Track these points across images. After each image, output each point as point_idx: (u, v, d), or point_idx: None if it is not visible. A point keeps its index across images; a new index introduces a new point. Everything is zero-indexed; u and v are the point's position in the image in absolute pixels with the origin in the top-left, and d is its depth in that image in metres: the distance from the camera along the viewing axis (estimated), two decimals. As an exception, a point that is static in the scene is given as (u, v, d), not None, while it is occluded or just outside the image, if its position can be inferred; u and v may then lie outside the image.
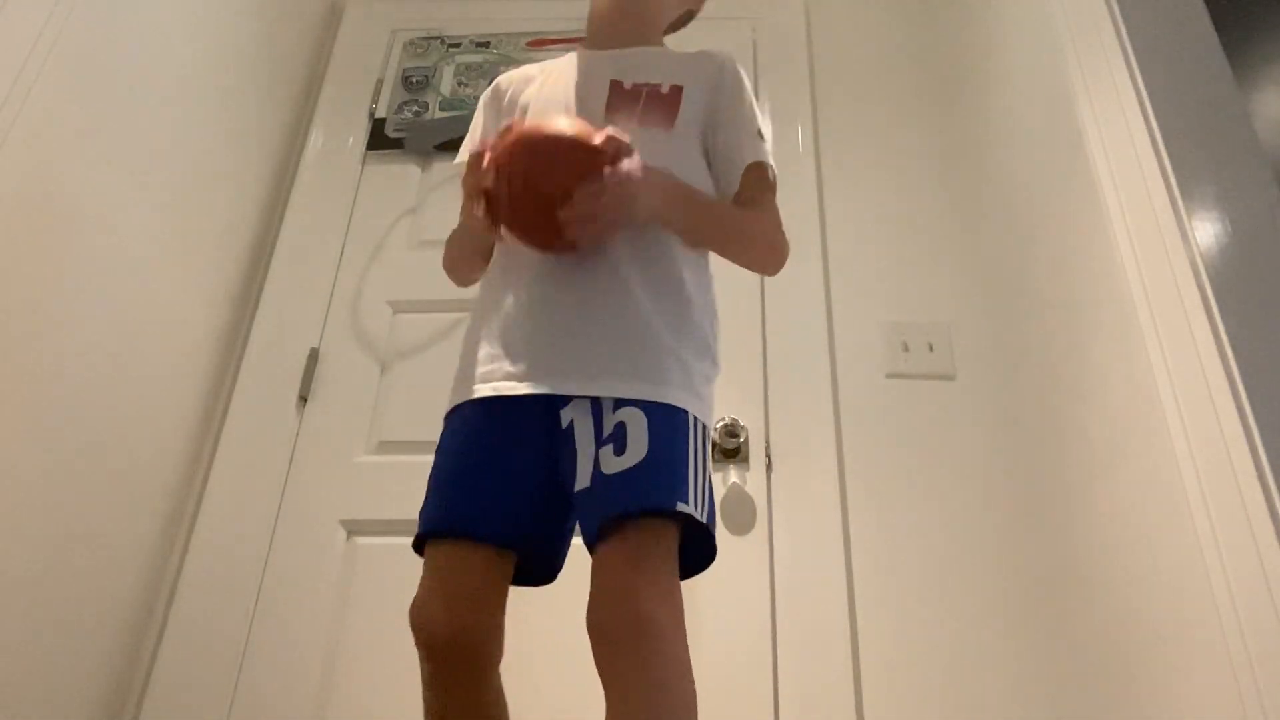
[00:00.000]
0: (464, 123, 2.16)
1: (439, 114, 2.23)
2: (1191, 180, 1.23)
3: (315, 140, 2.22)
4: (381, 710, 1.59)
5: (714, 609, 1.63)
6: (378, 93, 2.28)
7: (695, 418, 1.03)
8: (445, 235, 2.10)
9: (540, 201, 1.01)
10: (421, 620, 0.99)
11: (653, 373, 1.02)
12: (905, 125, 2.15)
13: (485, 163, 1.03)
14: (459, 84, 2.28)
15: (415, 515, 1.70)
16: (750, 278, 1.92)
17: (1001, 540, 1.68)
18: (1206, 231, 1.19)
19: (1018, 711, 1.54)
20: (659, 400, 1.00)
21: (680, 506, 0.94)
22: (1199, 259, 1.17)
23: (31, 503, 1.44)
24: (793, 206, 2.03)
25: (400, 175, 2.17)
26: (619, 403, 0.99)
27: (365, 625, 1.67)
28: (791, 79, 2.21)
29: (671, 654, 0.90)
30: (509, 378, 1.04)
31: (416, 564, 1.51)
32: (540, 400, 1.03)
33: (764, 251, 1.20)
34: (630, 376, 1.02)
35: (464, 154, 1.23)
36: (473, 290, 2.04)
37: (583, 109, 1.16)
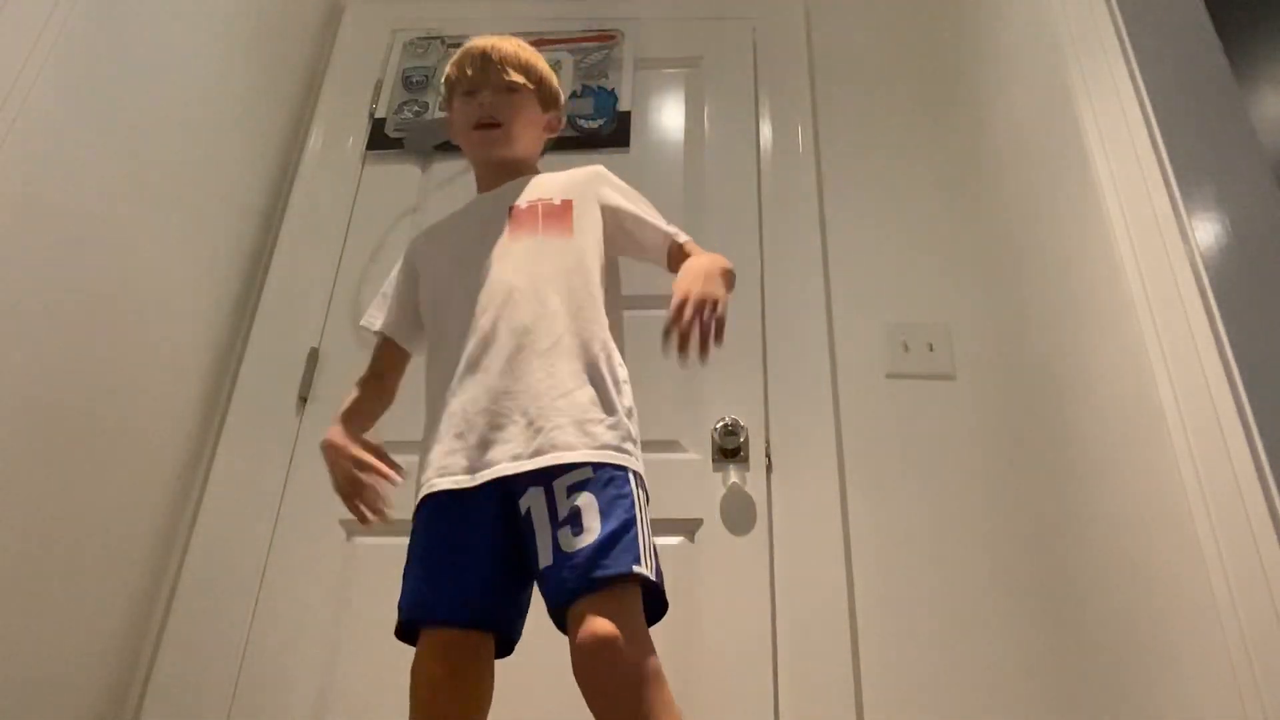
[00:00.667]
0: (464, 123, 2.19)
1: (439, 114, 2.23)
2: (1191, 180, 1.23)
3: (315, 140, 2.21)
4: (381, 710, 1.59)
5: (714, 609, 1.63)
6: (378, 93, 2.28)
7: (634, 472, 1.16)
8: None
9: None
10: (423, 699, 1.12)
11: (588, 435, 1.15)
12: (905, 125, 2.15)
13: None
14: (459, 84, 2.28)
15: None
16: (750, 277, 1.93)
17: (1001, 540, 1.68)
18: (1206, 231, 1.19)
19: (1017, 711, 1.54)
20: (597, 461, 1.12)
21: (635, 569, 1.07)
22: (1199, 259, 1.17)
23: (31, 503, 1.44)
24: (793, 207, 2.05)
25: (400, 175, 2.17)
26: (571, 489, 1.11)
27: (365, 625, 1.66)
28: (791, 79, 2.21)
29: (647, 678, 1.04)
30: (462, 471, 1.18)
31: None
32: (496, 487, 1.15)
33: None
34: (567, 441, 1.13)
35: (372, 322, 1.48)
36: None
37: (485, 238, 1.33)
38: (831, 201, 2.06)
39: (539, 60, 1.50)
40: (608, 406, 1.18)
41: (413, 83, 2.29)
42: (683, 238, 1.36)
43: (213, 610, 1.69)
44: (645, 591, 1.10)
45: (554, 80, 1.51)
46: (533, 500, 1.12)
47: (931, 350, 1.87)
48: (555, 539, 1.09)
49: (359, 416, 1.36)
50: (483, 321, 1.25)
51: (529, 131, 1.46)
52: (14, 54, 1.39)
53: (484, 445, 1.17)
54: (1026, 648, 1.58)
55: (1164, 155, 1.26)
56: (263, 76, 2.12)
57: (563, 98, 1.54)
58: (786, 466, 1.76)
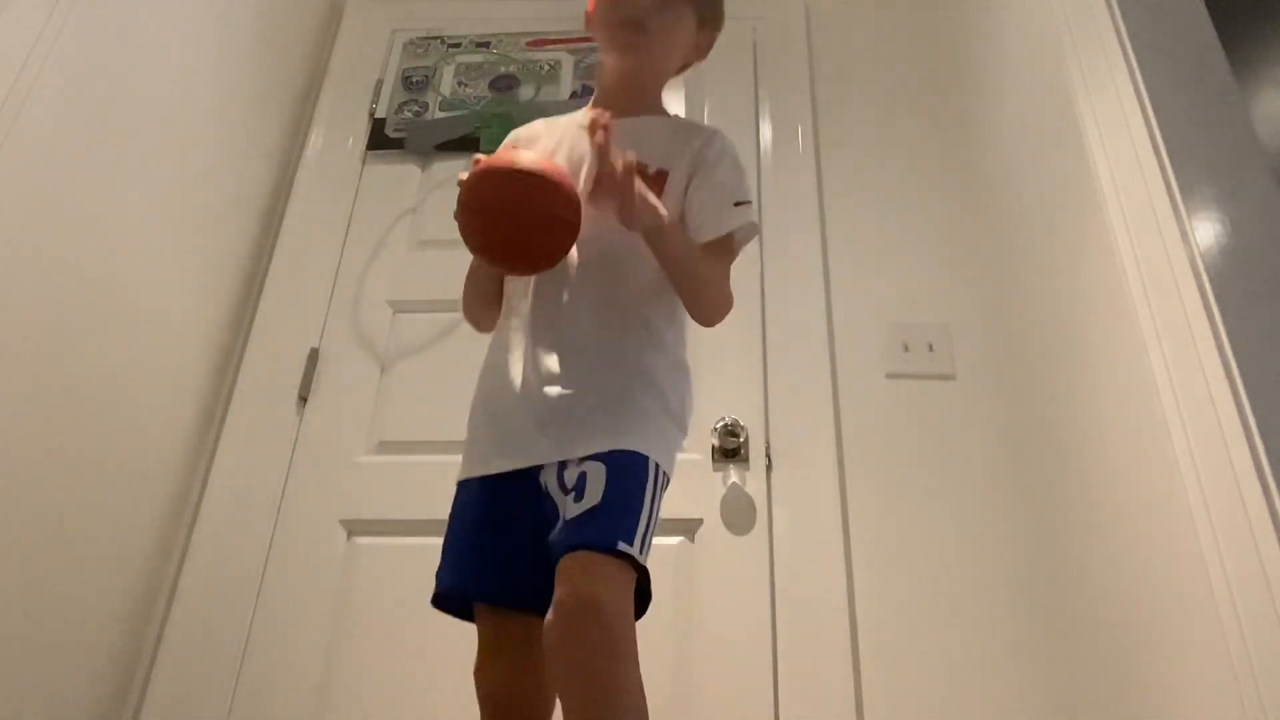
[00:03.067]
0: (464, 122, 2.19)
1: (439, 114, 2.23)
2: (1191, 180, 1.23)
3: (315, 140, 2.21)
4: (381, 710, 1.59)
5: (714, 609, 1.63)
6: (378, 93, 2.28)
7: (657, 464, 1.10)
8: (446, 235, 2.09)
9: (506, 218, 1.10)
10: (477, 680, 1.10)
11: (617, 428, 1.10)
12: (905, 125, 2.15)
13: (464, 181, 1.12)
14: (459, 84, 2.28)
15: (415, 515, 1.72)
16: (750, 277, 1.93)
17: (1001, 540, 1.68)
18: (1206, 231, 1.19)
19: (1018, 710, 1.54)
20: (620, 448, 1.08)
21: (621, 546, 1.00)
22: (1199, 259, 1.17)
23: (31, 503, 1.44)
24: (793, 207, 2.04)
25: (400, 175, 2.17)
26: (584, 458, 1.07)
27: (365, 625, 1.67)
28: (791, 79, 2.21)
29: (624, 652, 0.96)
30: (500, 456, 1.15)
31: (416, 564, 1.50)
32: (524, 470, 1.13)
33: (713, 302, 1.25)
34: (595, 434, 1.09)
35: None
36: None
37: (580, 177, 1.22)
38: (831, 201, 2.06)
39: None
40: (654, 402, 1.15)
41: (413, 83, 2.29)
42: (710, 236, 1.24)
43: (213, 610, 1.69)
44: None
45: None
46: (549, 475, 1.11)
47: (931, 350, 1.87)
48: (564, 508, 1.06)
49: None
50: (546, 288, 1.18)
51: (674, 51, 1.31)
52: (14, 54, 1.39)
53: (525, 430, 1.14)
54: (1026, 647, 1.58)
55: (1164, 155, 1.26)
56: (263, 76, 2.12)
57: (723, 22, 1.38)
58: (786, 467, 1.76)
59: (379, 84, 2.29)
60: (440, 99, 2.25)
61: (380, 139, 2.21)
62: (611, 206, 1.11)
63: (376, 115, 2.25)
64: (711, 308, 1.24)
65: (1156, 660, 1.28)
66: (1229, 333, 1.11)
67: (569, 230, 1.10)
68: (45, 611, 1.47)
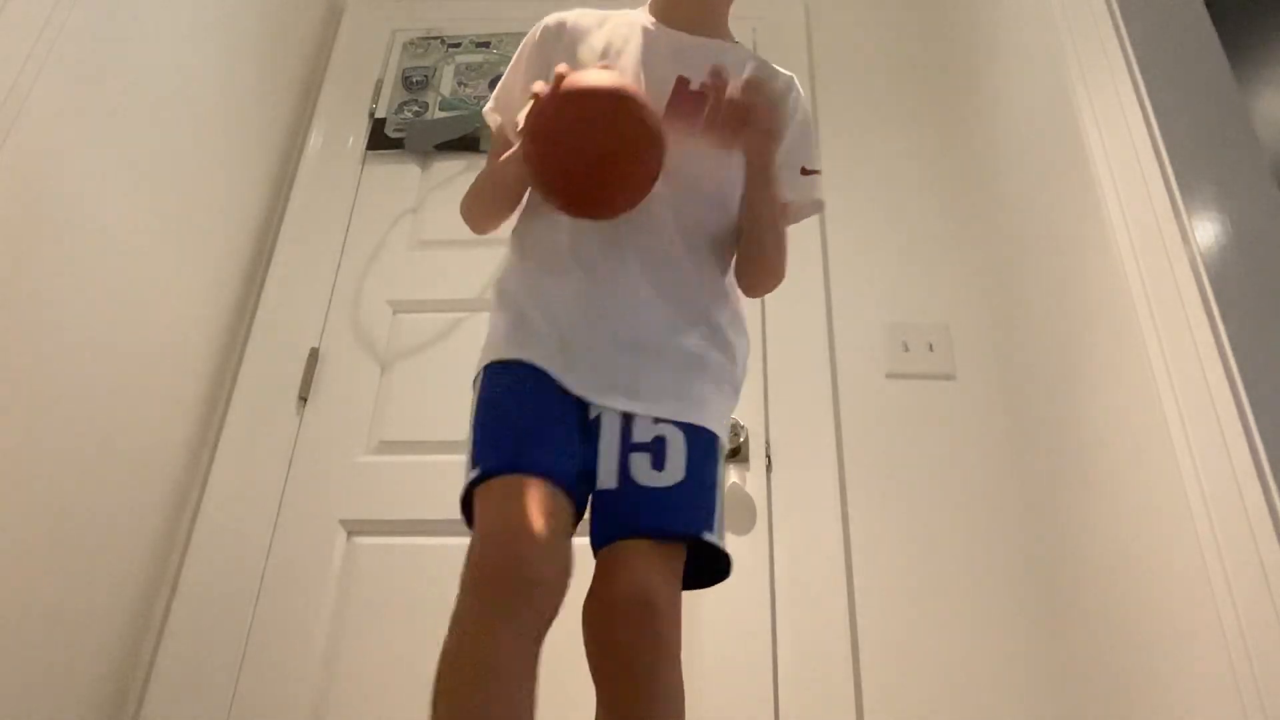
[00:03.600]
0: (464, 123, 2.20)
1: (439, 114, 2.23)
2: (1191, 180, 1.23)
3: (315, 140, 2.21)
4: (381, 710, 1.59)
5: (714, 609, 1.63)
6: (378, 93, 2.28)
7: (723, 443, 1.08)
8: (445, 235, 2.10)
9: (593, 158, 0.96)
10: (500, 547, 0.91)
11: (697, 397, 1.04)
12: (905, 125, 2.15)
13: (539, 105, 0.97)
14: (459, 84, 2.28)
15: (415, 515, 1.72)
16: (750, 278, 1.93)
17: (1001, 540, 1.68)
18: (1206, 231, 1.19)
19: (1018, 710, 1.54)
20: (698, 423, 1.03)
21: (705, 536, 0.98)
22: (1199, 259, 1.17)
23: (31, 503, 1.44)
24: (793, 206, 2.05)
25: (400, 175, 2.17)
26: (659, 419, 1.01)
27: (365, 625, 1.67)
28: (791, 79, 2.21)
29: (675, 654, 0.93)
30: (565, 367, 1.03)
31: (416, 564, 1.52)
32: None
33: (774, 270, 1.20)
34: (674, 398, 1.03)
35: (496, 104, 1.21)
36: (471, 288, 2.04)
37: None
38: (831, 201, 2.05)
39: None
40: (727, 372, 1.10)
41: (413, 83, 2.29)
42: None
43: (213, 610, 1.69)
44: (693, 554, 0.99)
45: None
46: (606, 412, 1.02)
47: (931, 350, 1.87)
48: (626, 463, 0.98)
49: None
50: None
51: None
52: (14, 54, 1.39)
53: (601, 362, 1.05)
54: (1026, 647, 1.58)
55: (1164, 155, 1.26)
56: (263, 76, 2.12)
57: None
58: (786, 466, 1.76)
59: (379, 84, 2.29)
60: (440, 99, 2.26)
61: (380, 139, 2.21)
62: (739, 135, 1.01)
63: (376, 115, 2.25)
64: (779, 273, 1.18)
65: (1156, 660, 1.28)
66: (1229, 333, 1.11)
67: (656, 158, 0.97)
68: (45, 611, 1.47)
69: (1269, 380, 1.07)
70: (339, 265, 2.05)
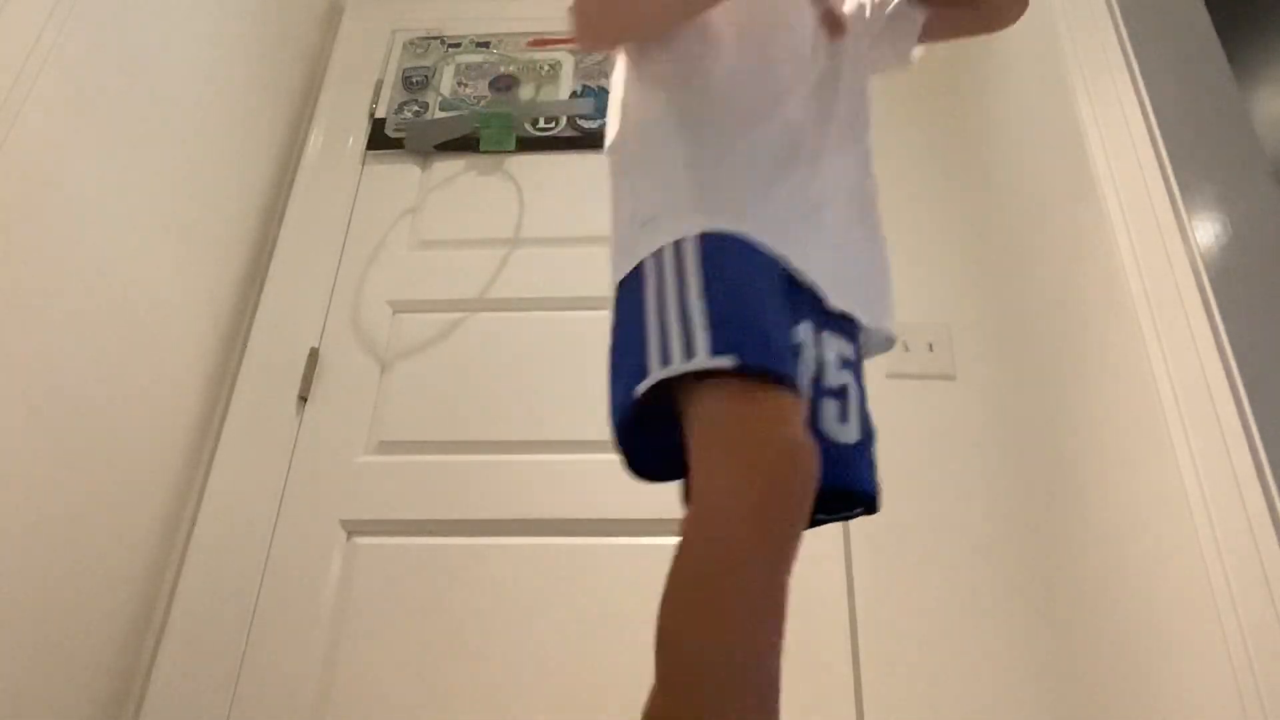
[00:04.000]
0: (464, 122, 2.19)
1: (439, 114, 2.23)
2: (1191, 180, 1.23)
3: (315, 140, 2.21)
4: (381, 710, 1.59)
5: (714, 609, 1.63)
6: (378, 93, 2.28)
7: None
8: (446, 235, 2.10)
9: None
10: (798, 469, 0.80)
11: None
12: (904, 124, 2.14)
13: None
14: (459, 84, 2.28)
15: (416, 515, 1.72)
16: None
17: (1001, 540, 1.68)
18: (1206, 231, 1.19)
19: (1017, 711, 1.54)
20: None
21: (879, 506, 0.90)
22: (1199, 259, 1.17)
23: (30, 503, 1.44)
24: (793, 206, 2.05)
25: (400, 175, 2.17)
26: (843, 362, 0.89)
27: (365, 625, 1.66)
28: (791, 79, 2.21)
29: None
30: (812, 264, 0.87)
31: (416, 564, 1.50)
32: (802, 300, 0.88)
33: None
34: (886, 315, 0.97)
35: None
36: (471, 288, 2.03)
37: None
38: (831, 201, 2.06)
39: None
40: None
41: (413, 83, 2.29)
42: None
43: (213, 610, 1.69)
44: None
45: None
46: (805, 338, 0.87)
47: (931, 350, 1.87)
48: (815, 407, 0.86)
49: None
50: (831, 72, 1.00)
51: None
52: (14, 54, 1.39)
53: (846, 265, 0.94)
54: (1026, 647, 1.58)
55: (1164, 155, 1.26)
56: (263, 76, 2.12)
57: None
58: (786, 466, 1.75)
59: (379, 84, 2.29)
60: (440, 99, 2.25)
61: (380, 139, 2.21)
62: None
63: (376, 115, 2.24)
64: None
65: (1156, 660, 1.28)
66: (1229, 333, 1.11)
67: None
68: (44, 611, 1.47)
69: (1269, 380, 1.07)
70: (339, 265, 2.05)
